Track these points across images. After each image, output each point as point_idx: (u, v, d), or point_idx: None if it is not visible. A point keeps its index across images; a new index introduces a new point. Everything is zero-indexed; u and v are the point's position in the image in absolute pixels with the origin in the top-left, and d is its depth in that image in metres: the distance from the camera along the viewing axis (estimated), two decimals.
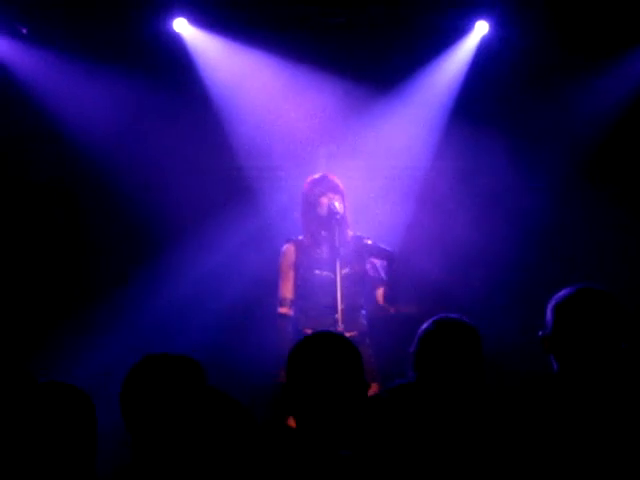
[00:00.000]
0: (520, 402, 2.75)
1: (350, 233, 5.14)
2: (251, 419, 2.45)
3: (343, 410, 2.56)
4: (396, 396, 3.15)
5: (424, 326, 3.22)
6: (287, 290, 5.09)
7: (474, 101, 6.43)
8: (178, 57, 6.39)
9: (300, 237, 5.19)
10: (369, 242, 5.14)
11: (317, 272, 5.06)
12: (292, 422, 2.70)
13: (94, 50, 6.30)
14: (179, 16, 6.29)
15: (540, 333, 2.83)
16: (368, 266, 5.16)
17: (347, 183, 5.28)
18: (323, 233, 5.09)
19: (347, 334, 4.75)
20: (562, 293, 2.84)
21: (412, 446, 2.75)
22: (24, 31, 6.29)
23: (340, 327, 4.82)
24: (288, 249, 5.15)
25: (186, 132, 6.56)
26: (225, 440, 2.40)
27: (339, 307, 4.84)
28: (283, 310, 5.05)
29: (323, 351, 2.62)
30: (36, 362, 4.47)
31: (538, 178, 6.44)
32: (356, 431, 2.58)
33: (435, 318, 3.22)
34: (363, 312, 5.10)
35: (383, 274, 5.16)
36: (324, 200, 5.08)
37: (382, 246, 5.11)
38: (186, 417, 2.46)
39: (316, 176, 5.24)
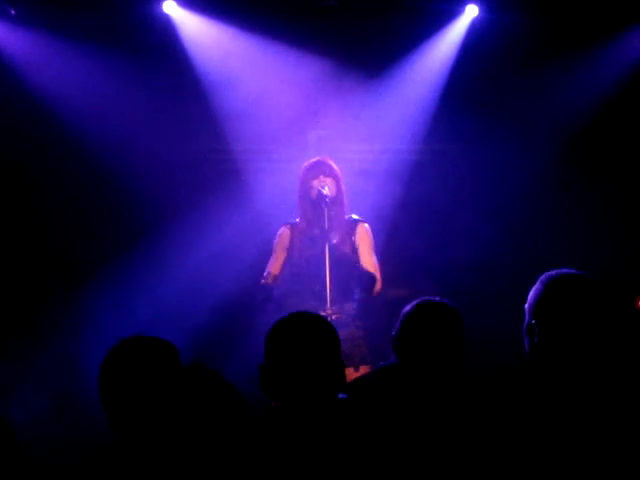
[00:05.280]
0: (498, 384, 2.75)
1: (346, 217, 5.16)
2: (238, 399, 2.47)
3: (317, 390, 2.56)
4: (379, 378, 3.17)
5: (406, 309, 3.23)
6: (273, 267, 5.17)
7: (464, 84, 6.44)
8: (167, 39, 6.36)
9: (297, 220, 5.23)
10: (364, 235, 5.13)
11: (307, 256, 5.09)
12: None
13: (83, 32, 6.26)
14: None
15: (530, 321, 2.79)
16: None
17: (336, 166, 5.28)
18: (314, 217, 5.10)
19: (333, 317, 4.78)
20: (546, 276, 2.81)
21: (393, 428, 2.77)
22: (12, 12, 6.26)
23: (328, 310, 4.84)
24: (283, 232, 5.23)
25: (175, 115, 6.53)
26: (208, 420, 2.42)
27: (327, 290, 4.85)
28: (265, 281, 5.08)
29: (296, 332, 2.62)
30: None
31: (526, 160, 6.45)
32: (334, 411, 2.59)
33: (417, 301, 3.23)
34: (353, 295, 5.08)
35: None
36: (315, 183, 5.11)
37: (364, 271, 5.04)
38: (160, 397, 2.49)
39: (312, 160, 5.27)
